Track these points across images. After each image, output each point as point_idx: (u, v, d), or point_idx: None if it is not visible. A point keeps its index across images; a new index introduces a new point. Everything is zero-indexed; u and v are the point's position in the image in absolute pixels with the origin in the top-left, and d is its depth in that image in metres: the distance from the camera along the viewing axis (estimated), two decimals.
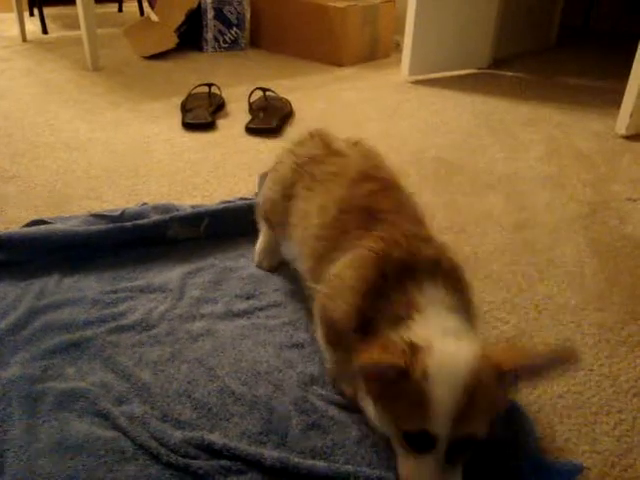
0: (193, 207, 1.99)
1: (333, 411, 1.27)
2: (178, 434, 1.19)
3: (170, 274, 1.73)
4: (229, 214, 1.93)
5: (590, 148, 2.78)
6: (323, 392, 1.32)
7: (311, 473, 1.11)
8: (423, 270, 1.08)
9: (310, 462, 1.13)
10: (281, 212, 1.47)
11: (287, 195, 1.43)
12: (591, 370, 1.44)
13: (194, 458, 1.15)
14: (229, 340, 1.47)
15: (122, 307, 1.57)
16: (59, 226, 1.81)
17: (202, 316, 1.56)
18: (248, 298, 1.63)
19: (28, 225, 1.85)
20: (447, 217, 2.11)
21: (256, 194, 1.95)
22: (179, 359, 1.41)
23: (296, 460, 1.13)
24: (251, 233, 1.82)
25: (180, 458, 1.14)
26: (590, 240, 2.01)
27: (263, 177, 1.77)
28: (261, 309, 1.59)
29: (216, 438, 1.18)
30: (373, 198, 1.25)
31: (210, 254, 1.83)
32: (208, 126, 2.86)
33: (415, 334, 0.98)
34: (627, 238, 2.03)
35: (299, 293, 1.61)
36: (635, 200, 2.26)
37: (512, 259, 1.88)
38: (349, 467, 1.12)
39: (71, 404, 1.26)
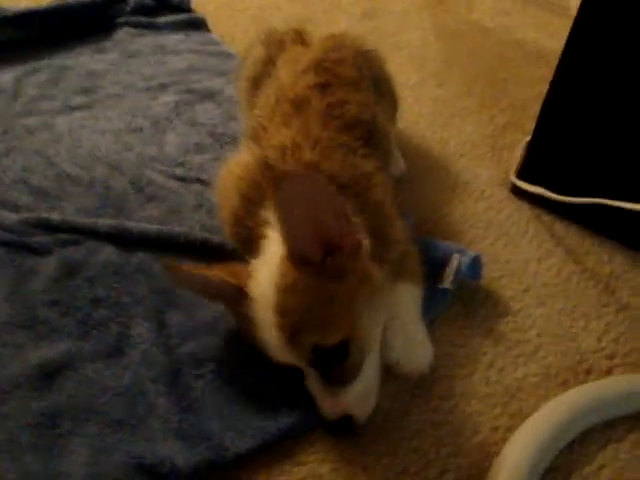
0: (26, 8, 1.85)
1: (172, 183, 1.32)
2: (14, 216, 1.21)
3: (4, 76, 1.65)
4: (65, 13, 1.82)
5: None
6: (163, 168, 1.35)
7: (144, 235, 1.17)
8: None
9: (143, 225, 1.18)
10: (249, 102, 1.25)
11: (255, 84, 1.23)
12: (424, 137, 1.54)
13: (32, 236, 1.18)
14: (66, 131, 1.46)
15: None
16: None
17: (39, 112, 1.53)
18: (87, 92, 1.60)
19: None
20: (294, 9, 2.08)
21: None
22: (15, 152, 1.39)
23: (129, 224, 1.18)
24: (88, 32, 1.75)
25: (16, 236, 1.17)
26: (436, 25, 2.06)
27: None
28: (100, 101, 1.56)
29: (53, 216, 1.21)
30: (309, 92, 1.03)
31: (47, 54, 1.75)
32: None
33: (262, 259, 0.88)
34: (472, 24, 2.10)
35: (138, 86, 1.61)
36: None
37: None
38: (180, 229, 1.18)
39: None
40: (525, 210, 1.32)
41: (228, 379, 0.97)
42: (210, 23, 1.96)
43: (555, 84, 1.20)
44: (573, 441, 0.93)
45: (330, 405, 0.87)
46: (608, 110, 1.16)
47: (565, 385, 1.00)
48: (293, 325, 0.80)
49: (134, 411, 0.92)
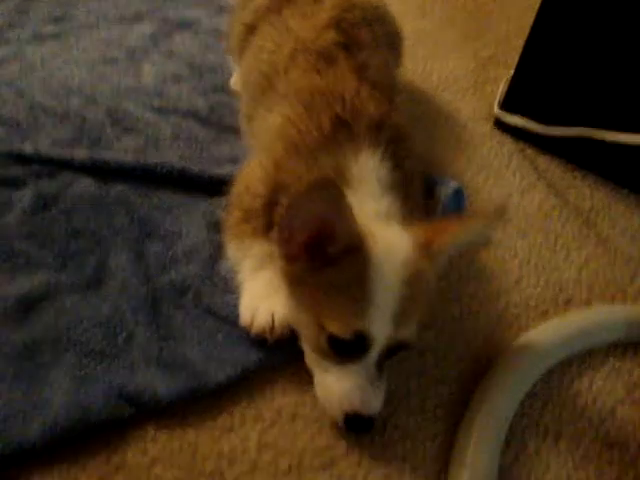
0: None
1: (149, 115, 1.28)
2: None
3: None
4: None
5: None
6: (140, 98, 1.31)
7: (120, 166, 1.14)
8: (363, 134, 0.92)
9: (119, 156, 1.15)
10: (241, 46, 1.26)
11: (250, 30, 1.24)
12: (405, 69, 1.50)
13: (5, 167, 1.14)
14: (38, 61, 1.40)
15: None
16: None
17: (7, 41, 1.46)
18: (58, 21, 1.53)
19: None
20: None
21: None
22: None
23: (106, 156, 1.15)
24: None
25: None
26: None
27: None
28: (73, 31, 1.50)
29: (26, 147, 1.17)
30: (335, 49, 1.05)
31: None
32: None
33: None
34: None
35: (112, 15, 1.54)
36: None
37: None
38: (156, 160, 1.15)
39: None
40: (508, 144, 1.31)
41: (208, 309, 0.96)
42: None
43: (540, 14, 1.17)
44: (551, 370, 0.93)
45: (374, 398, 0.82)
46: (592, 40, 1.14)
47: (545, 315, 1.01)
48: (408, 313, 0.79)
49: (114, 341, 0.91)
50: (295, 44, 1.07)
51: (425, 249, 0.81)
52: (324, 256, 0.79)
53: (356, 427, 0.83)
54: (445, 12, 1.73)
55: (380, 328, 0.78)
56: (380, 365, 0.81)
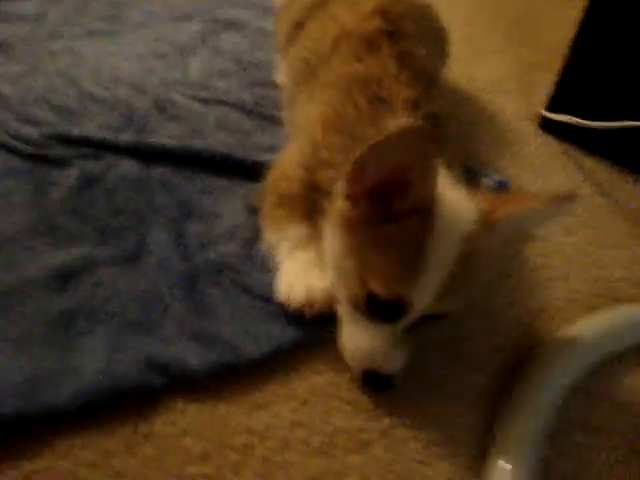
0: None
1: (195, 105, 1.30)
2: (35, 131, 1.20)
3: (27, 3, 1.64)
4: None
5: None
6: (186, 90, 1.33)
7: (164, 150, 1.15)
8: (401, 109, 0.90)
9: (164, 140, 1.17)
10: (289, 42, 1.28)
11: (298, 26, 1.26)
12: (451, 72, 1.49)
13: (52, 149, 1.17)
14: (90, 55, 1.44)
15: None
16: None
17: (63, 36, 1.51)
18: (111, 20, 1.58)
19: None
20: None
21: None
22: (38, 73, 1.38)
23: (150, 140, 1.17)
24: None
25: (36, 149, 1.16)
26: None
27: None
28: (125, 29, 1.55)
29: (74, 130, 1.20)
30: (378, 36, 1.03)
31: None
32: None
33: None
34: None
35: (162, 15, 1.58)
36: None
37: None
38: (200, 143, 1.16)
39: None
40: (553, 144, 1.29)
41: (245, 287, 0.95)
42: None
43: (587, 16, 1.16)
44: (598, 365, 0.89)
45: (395, 359, 0.81)
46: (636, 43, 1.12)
47: (590, 311, 0.97)
48: (455, 289, 0.76)
49: (149, 314, 0.90)
50: (339, 31, 1.07)
51: (488, 217, 0.77)
52: (387, 209, 0.76)
53: (373, 384, 0.82)
54: (489, 20, 1.72)
55: (423, 298, 0.75)
56: (410, 329, 0.79)
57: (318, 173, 0.93)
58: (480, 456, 0.79)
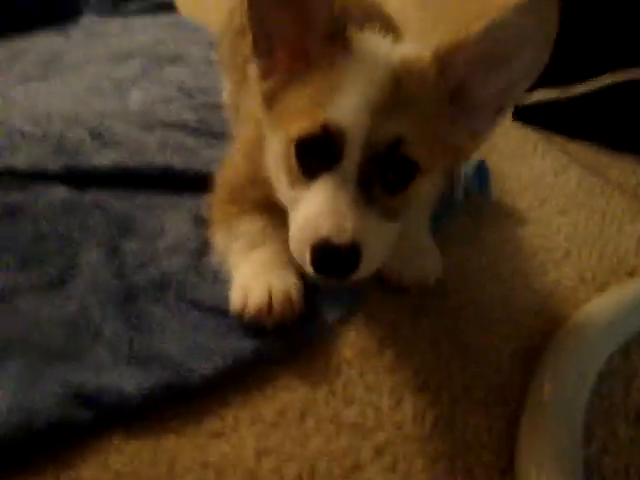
0: None
1: (133, 130, 1.18)
2: None
3: None
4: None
5: None
6: (126, 119, 1.21)
7: (97, 170, 1.03)
8: None
9: (95, 162, 1.04)
10: (232, 52, 1.18)
11: (240, 35, 1.14)
12: None
13: None
14: (22, 98, 1.33)
15: None
16: None
17: None
18: (46, 65, 1.50)
19: None
20: None
21: None
22: None
23: (81, 164, 1.04)
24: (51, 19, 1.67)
25: None
26: None
27: None
28: (60, 71, 1.45)
29: None
30: None
31: (5, 37, 1.64)
32: None
33: None
34: None
35: (102, 56, 1.50)
36: None
37: None
38: (138, 162, 1.04)
39: None
40: (531, 133, 1.18)
41: (193, 302, 0.80)
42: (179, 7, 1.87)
43: None
44: (628, 343, 0.74)
45: (352, 222, 0.61)
46: None
47: (605, 288, 0.82)
48: (390, 107, 0.63)
49: (76, 341, 0.74)
50: None
51: (433, 53, 0.68)
52: (306, 61, 0.66)
53: (324, 265, 0.62)
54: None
55: (353, 118, 0.61)
56: (367, 183, 0.62)
57: (261, 162, 0.79)
58: (509, 465, 0.61)
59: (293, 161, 0.65)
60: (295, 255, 0.66)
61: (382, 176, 0.64)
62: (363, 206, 0.62)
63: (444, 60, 0.67)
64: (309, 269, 0.64)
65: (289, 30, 0.66)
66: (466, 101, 0.70)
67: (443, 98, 0.67)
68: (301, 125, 0.63)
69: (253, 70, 0.73)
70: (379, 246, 0.65)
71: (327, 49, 0.65)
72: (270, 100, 0.70)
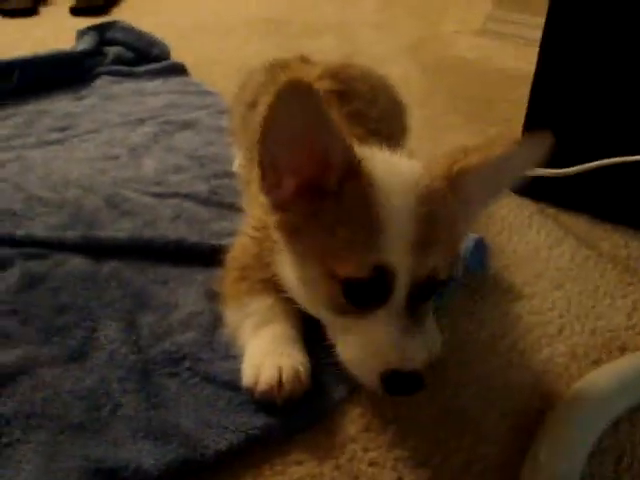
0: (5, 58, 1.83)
1: (147, 199, 1.23)
2: None
3: None
4: (42, 62, 1.80)
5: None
6: (139, 187, 1.27)
7: (114, 243, 1.07)
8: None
9: (113, 233, 1.09)
10: (244, 124, 1.22)
11: (251, 107, 1.20)
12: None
13: None
14: (39, 162, 1.39)
15: None
16: None
17: (12, 148, 1.46)
18: (63, 130, 1.54)
19: None
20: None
21: None
22: None
23: (99, 234, 1.09)
24: (67, 82, 1.74)
25: None
26: (417, 62, 2.06)
27: None
28: (76, 136, 1.51)
29: (18, 231, 1.11)
30: (327, 96, 0.97)
31: (22, 101, 1.70)
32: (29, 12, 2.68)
33: None
34: (451, 58, 2.11)
35: (115, 122, 1.56)
36: (459, 32, 2.33)
37: None
38: (152, 233, 1.09)
39: None
40: (527, 205, 1.24)
41: (206, 376, 0.84)
42: (191, 72, 1.94)
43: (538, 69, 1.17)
44: (617, 421, 0.78)
45: (413, 349, 0.68)
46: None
47: (597, 364, 0.87)
48: (429, 240, 0.68)
49: (96, 414, 0.78)
50: None
51: (443, 172, 0.73)
52: (321, 194, 0.69)
53: (399, 388, 0.68)
54: (445, 101, 1.73)
55: (401, 258, 0.66)
56: (414, 309, 0.68)
57: (266, 248, 0.85)
58: None
59: (340, 297, 0.69)
60: (359, 377, 0.72)
61: (423, 299, 0.70)
62: (413, 327, 0.68)
63: (455, 181, 0.73)
64: (379, 391, 0.69)
65: (302, 167, 0.69)
66: (468, 204, 0.76)
67: (456, 213, 0.73)
68: (350, 267, 0.67)
69: (263, 199, 0.77)
70: (432, 348, 0.73)
71: (346, 184, 0.69)
72: (290, 232, 0.74)
